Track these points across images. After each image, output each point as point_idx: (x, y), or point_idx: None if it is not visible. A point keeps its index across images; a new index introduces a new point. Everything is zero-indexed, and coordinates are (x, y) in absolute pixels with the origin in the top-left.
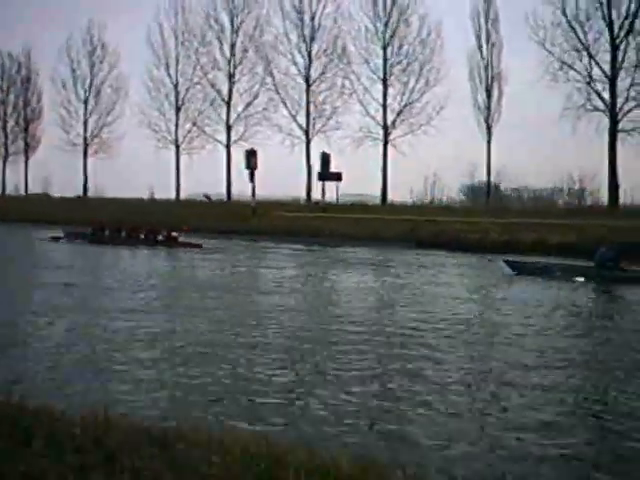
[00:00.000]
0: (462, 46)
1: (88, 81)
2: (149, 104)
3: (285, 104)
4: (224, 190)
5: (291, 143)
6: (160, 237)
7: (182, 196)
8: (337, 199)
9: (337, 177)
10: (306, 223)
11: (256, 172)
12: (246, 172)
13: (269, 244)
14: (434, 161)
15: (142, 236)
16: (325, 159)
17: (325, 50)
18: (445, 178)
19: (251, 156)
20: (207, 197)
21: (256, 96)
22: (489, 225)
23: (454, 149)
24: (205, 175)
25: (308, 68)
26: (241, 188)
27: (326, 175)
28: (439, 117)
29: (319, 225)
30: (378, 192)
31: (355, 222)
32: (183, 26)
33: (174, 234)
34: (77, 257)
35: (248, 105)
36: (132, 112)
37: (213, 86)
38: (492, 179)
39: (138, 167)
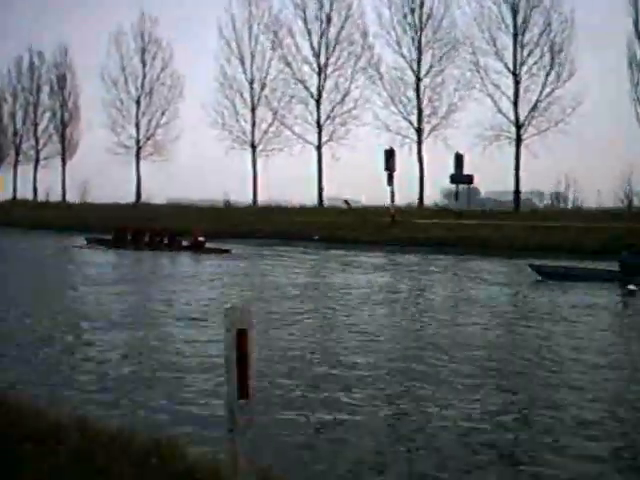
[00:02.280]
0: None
1: (140, 79)
2: (220, 102)
3: (392, 100)
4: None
5: (400, 143)
6: (185, 242)
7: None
8: (469, 204)
9: (469, 180)
10: (467, 232)
11: (349, 175)
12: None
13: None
14: (566, 162)
15: (165, 241)
16: (459, 160)
17: (438, 40)
18: (581, 181)
19: (390, 156)
20: (347, 203)
21: (347, 92)
22: None
23: (591, 150)
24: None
25: (418, 60)
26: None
27: (459, 178)
28: (575, 114)
29: (488, 235)
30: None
31: (533, 230)
32: (260, 17)
33: (201, 239)
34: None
35: (341, 100)
36: (205, 112)
37: (302, 82)
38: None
39: (204, 171)
